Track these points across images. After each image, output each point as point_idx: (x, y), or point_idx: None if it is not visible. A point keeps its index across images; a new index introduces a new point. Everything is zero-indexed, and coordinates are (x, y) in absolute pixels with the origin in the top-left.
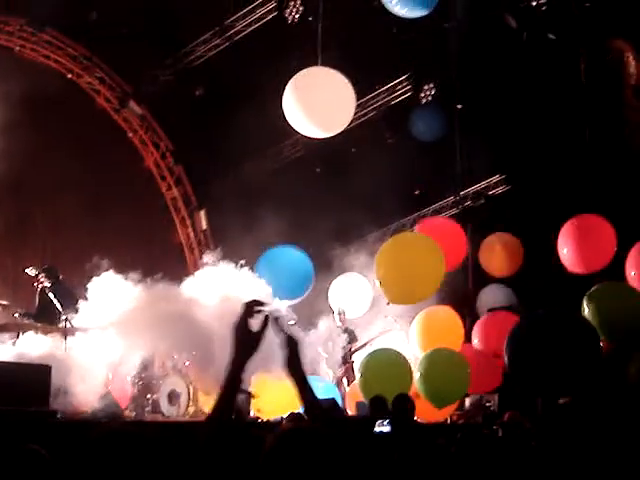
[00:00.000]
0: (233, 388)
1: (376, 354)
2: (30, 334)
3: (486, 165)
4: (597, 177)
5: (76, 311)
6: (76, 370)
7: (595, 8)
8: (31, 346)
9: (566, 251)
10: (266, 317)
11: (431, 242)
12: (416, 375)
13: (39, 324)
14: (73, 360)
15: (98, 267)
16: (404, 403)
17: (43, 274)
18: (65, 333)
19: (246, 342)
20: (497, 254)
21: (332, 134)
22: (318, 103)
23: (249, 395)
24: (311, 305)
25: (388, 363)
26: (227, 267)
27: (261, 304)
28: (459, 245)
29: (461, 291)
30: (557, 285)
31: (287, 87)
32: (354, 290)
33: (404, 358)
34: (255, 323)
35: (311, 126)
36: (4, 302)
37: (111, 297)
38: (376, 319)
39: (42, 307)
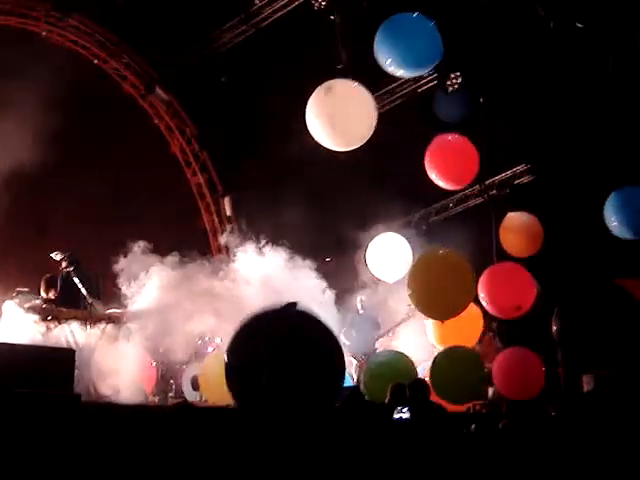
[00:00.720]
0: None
1: (378, 363)
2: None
3: (511, 154)
4: (623, 168)
5: (99, 297)
6: (104, 356)
7: None
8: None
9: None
10: None
11: (457, 257)
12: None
13: (65, 309)
14: (102, 346)
15: (126, 252)
16: (421, 389)
17: (67, 259)
18: (93, 318)
19: None
20: (517, 234)
21: (353, 147)
22: (340, 117)
23: None
24: (340, 283)
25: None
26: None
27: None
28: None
29: None
30: (579, 271)
31: (309, 100)
32: (391, 251)
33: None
34: None
35: (332, 140)
36: (24, 289)
37: (143, 281)
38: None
39: (66, 292)
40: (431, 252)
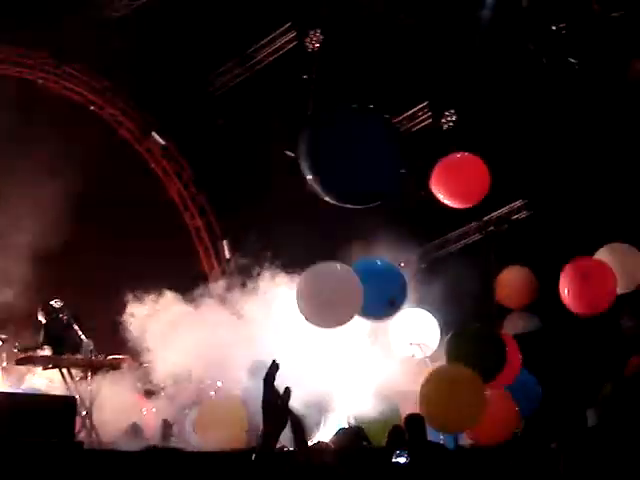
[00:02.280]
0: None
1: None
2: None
3: (508, 190)
4: (621, 203)
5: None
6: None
7: (616, 31)
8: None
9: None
10: (287, 389)
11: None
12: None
13: (65, 356)
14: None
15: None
16: (418, 425)
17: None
18: (94, 365)
19: (276, 417)
20: (511, 288)
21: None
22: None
23: None
24: None
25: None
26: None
27: (275, 371)
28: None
29: (485, 318)
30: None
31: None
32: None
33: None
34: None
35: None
36: (3, 336)
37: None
38: None
39: (56, 339)
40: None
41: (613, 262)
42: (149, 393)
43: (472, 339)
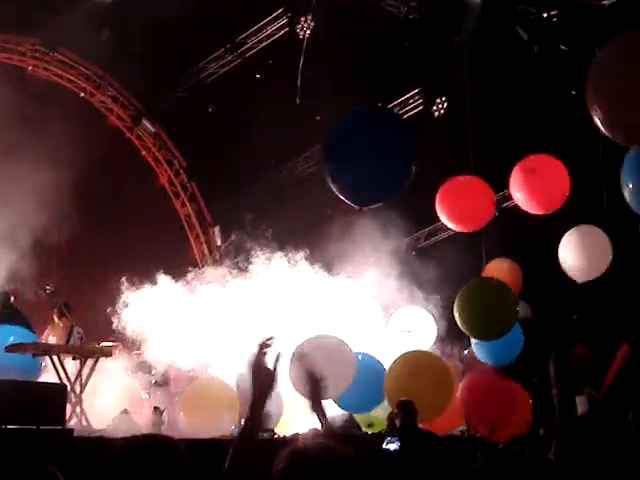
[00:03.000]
0: (254, 427)
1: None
2: None
3: (498, 178)
4: (611, 186)
5: None
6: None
7: (607, 18)
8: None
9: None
10: (278, 355)
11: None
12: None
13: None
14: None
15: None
16: (408, 410)
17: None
18: (85, 352)
19: (264, 380)
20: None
21: None
22: None
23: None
24: None
25: None
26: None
27: (270, 342)
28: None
29: None
30: (571, 294)
31: None
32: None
33: None
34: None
35: None
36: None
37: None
38: None
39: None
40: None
41: (580, 247)
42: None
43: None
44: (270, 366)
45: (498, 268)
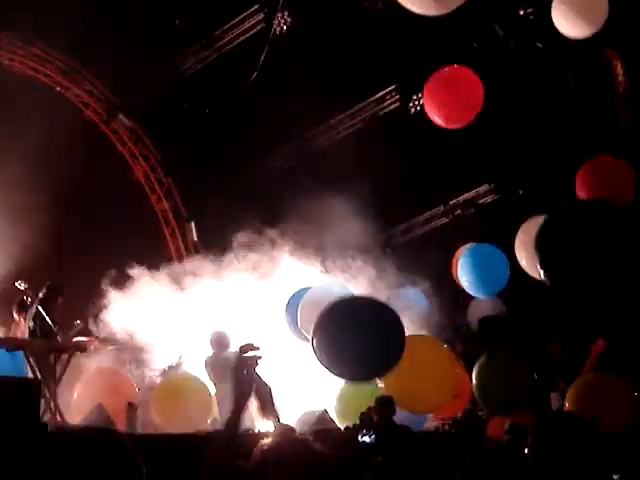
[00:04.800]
0: (235, 427)
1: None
2: None
3: (475, 174)
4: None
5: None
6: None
7: None
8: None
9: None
10: (256, 360)
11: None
12: None
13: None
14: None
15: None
16: (387, 407)
17: (49, 287)
18: (60, 347)
19: (245, 385)
20: None
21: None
22: None
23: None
24: None
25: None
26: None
27: (253, 348)
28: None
29: (450, 305)
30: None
31: None
32: None
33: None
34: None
35: None
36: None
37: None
38: None
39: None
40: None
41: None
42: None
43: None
44: (249, 371)
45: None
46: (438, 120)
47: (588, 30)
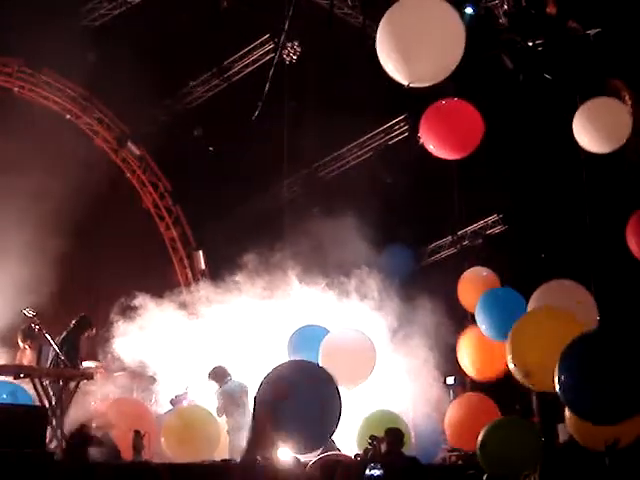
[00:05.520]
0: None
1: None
2: None
3: (483, 205)
4: (594, 215)
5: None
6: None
7: (591, 48)
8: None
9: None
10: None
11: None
12: None
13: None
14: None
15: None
16: (396, 438)
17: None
18: (67, 375)
19: (265, 422)
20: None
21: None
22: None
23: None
24: None
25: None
26: None
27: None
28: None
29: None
30: None
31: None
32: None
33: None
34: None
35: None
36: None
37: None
38: None
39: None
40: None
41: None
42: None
43: None
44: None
45: (475, 276)
46: (434, 151)
47: (609, 147)
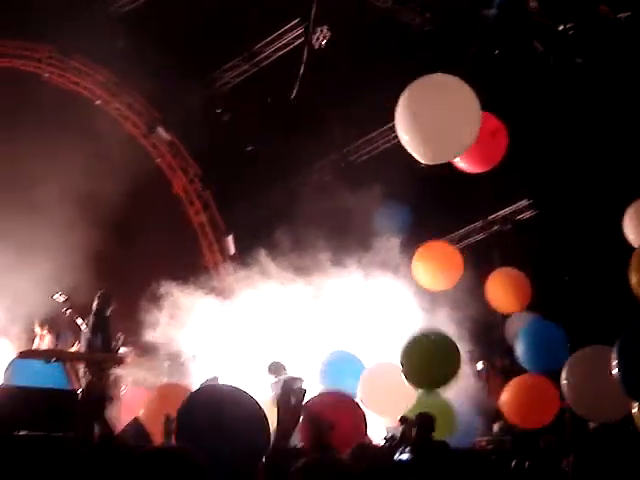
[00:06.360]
0: (282, 449)
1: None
2: None
3: (513, 190)
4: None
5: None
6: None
7: (623, 31)
8: None
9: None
10: (303, 391)
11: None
12: None
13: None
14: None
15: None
16: (426, 423)
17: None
18: (99, 360)
19: (291, 416)
20: (504, 291)
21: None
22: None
23: None
24: None
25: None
26: None
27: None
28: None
29: (486, 321)
30: (585, 308)
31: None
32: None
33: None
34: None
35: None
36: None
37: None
38: None
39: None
40: None
41: None
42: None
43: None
44: (296, 402)
45: (505, 277)
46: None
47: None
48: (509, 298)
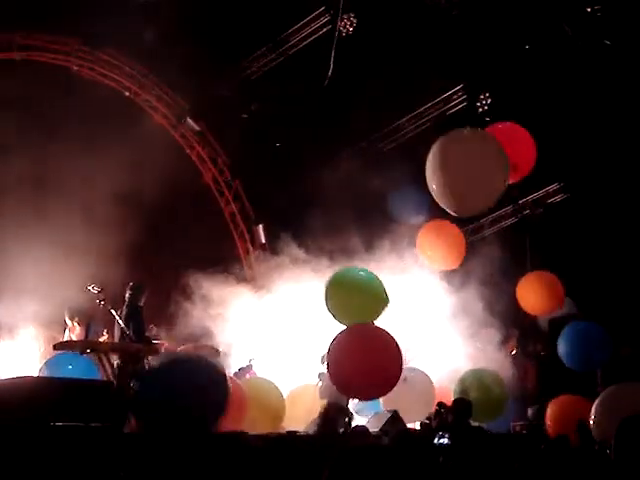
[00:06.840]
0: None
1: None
2: None
3: (544, 173)
4: None
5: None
6: None
7: None
8: None
9: None
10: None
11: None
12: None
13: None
14: None
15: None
16: (464, 407)
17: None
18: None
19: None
20: (535, 294)
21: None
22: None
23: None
24: None
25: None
26: None
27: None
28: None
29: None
30: (616, 295)
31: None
32: None
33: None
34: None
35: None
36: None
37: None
38: None
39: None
40: None
41: None
42: None
43: None
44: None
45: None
46: None
47: None
48: (542, 301)
